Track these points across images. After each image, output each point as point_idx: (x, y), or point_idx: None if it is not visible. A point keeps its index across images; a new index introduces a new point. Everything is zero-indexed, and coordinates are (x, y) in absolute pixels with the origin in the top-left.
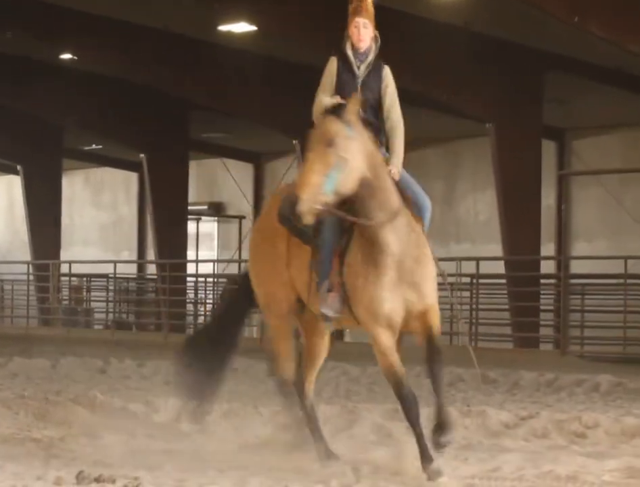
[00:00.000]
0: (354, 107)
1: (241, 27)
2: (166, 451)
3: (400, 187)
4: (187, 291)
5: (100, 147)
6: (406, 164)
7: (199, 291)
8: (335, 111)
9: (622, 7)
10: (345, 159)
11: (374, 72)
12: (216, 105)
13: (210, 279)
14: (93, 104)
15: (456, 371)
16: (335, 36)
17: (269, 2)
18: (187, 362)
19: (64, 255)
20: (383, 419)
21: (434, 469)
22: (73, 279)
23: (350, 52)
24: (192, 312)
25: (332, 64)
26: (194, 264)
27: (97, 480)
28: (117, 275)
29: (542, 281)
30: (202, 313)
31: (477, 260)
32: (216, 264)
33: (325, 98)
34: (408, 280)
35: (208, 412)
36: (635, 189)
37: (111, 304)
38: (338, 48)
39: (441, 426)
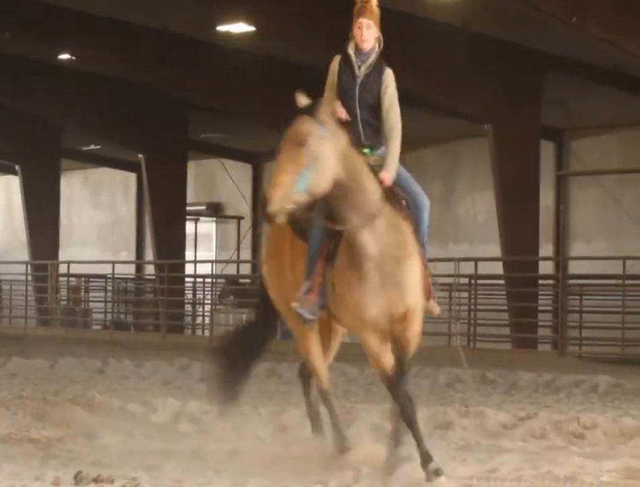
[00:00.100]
0: (327, 107)
1: (240, 27)
2: (164, 451)
3: (397, 186)
4: (185, 291)
5: (98, 147)
6: (405, 164)
7: (197, 292)
8: (309, 110)
9: (621, 7)
10: (317, 159)
11: (374, 73)
12: (215, 105)
13: (209, 280)
14: (91, 104)
15: (455, 372)
16: (334, 36)
17: (268, 2)
18: (218, 363)
19: (62, 255)
20: (381, 419)
21: (432, 468)
22: (71, 279)
23: (352, 52)
24: (190, 313)
25: (334, 63)
26: (192, 265)
27: (96, 480)
28: (115, 275)
29: (540, 281)
30: (200, 314)
31: (476, 260)
32: (214, 264)
33: (301, 98)
34: (390, 282)
35: (231, 411)
36: (634, 190)
37: (109, 305)
38: (342, 47)
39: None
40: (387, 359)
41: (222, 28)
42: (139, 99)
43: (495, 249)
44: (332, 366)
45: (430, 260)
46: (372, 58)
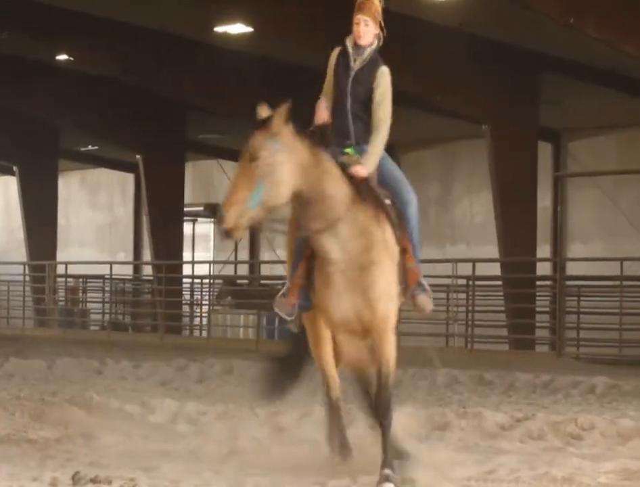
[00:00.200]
0: (280, 119)
1: (238, 28)
2: (162, 452)
3: (381, 183)
4: (183, 292)
5: (96, 147)
6: (403, 165)
7: (195, 293)
8: (263, 124)
9: (617, 8)
10: (270, 173)
11: (369, 68)
12: (213, 106)
13: (206, 281)
14: (89, 105)
15: (452, 373)
16: (332, 37)
17: (266, 3)
18: (271, 365)
19: (60, 256)
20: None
21: (384, 473)
22: (69, 279)
23: (349, 46)
24: (188, 314)
25: (333, 56)
26: (190, 266)
27: (93, 481)
28: (113, 276)
29: (538, 282)
30: (198, 314)
31: (473, 261)
32: (212, 265)
33: (261, 111)
34: (356, 288)
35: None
36: (631, 191)
37: (107, 305)
38: (343, 41)
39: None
40: (362, 360)
41: (220, 29)
42: (136, 99)
43: (493, 250)
44: None
45: (428, 261)
46: (367, 53)
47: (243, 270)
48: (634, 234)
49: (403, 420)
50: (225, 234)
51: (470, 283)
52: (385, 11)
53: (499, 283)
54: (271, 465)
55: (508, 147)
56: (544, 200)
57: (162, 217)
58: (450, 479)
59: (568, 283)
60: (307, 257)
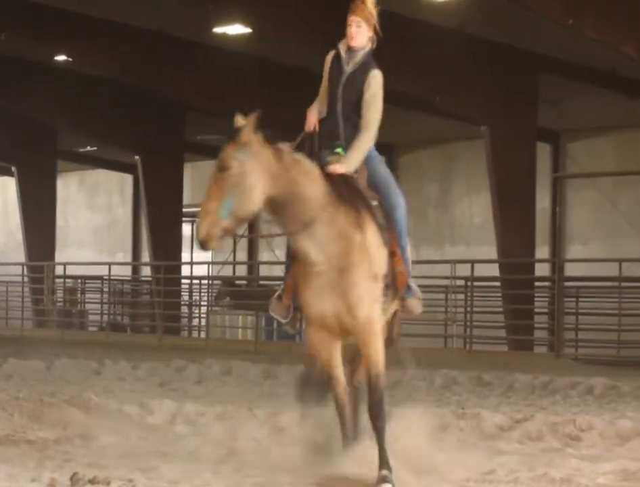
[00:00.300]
0: (250, 129)
1: (237, 29)
2: (160, 453)
3: (370, 185)
4: (182, 293)
5: (95, 148)
6: (401, 167)
7: (193, 293)
8: (233, 134)
9: (616, 9)
10: (239, 183)
11: (361, 70)
12: (211, 106)
13: (205, 281)
14: (87, 106)
15: (451, 374)
16: (330, 38)
17: (264, 4)
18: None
19: (59, 257)
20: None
21: (382, 475)
22: (67, 280)
23: (342, 48)
24: (187, 315)
25: (327, 60)
26: (188, 266)
27: (92, 482)
28: (111, 277)
29: (536, 283)
30: (197, 315)
31: (472, 262)
32: (210, 266)
33: (238, 120)
34: (335, 289)
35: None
36: (630, 192)
37: (105, 306)
38: (337, 45)
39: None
40: (332, 358)
41: (218, 30)
42: (135, 100)
43: (491, 251)
44: None
45: (427, 262)
46: (360, 56)
47: (242, 271)
48: (633, 235)
49: (414, 419)
50: (200, 245)
51: (469, 283)
52: (384, 12)
53: (498, 284)
54: (270, 466)
55: (507, 147)
56: (542, 201)
57: (160, 218)
58: (449, 480)
59: (567, 284)
60: (295, 257)
